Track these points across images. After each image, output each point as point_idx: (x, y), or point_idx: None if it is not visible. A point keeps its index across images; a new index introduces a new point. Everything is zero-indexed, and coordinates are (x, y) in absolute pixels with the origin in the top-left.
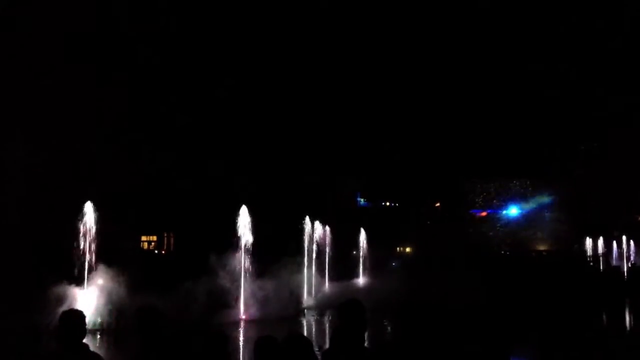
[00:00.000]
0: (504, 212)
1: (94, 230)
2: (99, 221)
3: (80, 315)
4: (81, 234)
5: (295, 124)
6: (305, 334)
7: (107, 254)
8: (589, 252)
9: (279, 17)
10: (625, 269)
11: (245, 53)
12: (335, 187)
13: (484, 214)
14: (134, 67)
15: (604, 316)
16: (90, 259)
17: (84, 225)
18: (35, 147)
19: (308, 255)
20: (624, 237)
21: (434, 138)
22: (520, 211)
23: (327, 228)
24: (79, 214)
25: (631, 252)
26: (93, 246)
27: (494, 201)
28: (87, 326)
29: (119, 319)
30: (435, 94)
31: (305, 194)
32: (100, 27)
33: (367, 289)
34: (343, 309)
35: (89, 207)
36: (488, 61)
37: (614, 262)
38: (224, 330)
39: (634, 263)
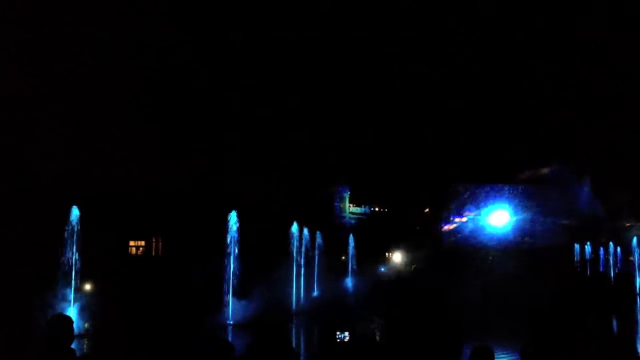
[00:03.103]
0: (487, 217)
1: (80, 234)
2: (86, 225)
3: (68, 321)
4: (67, 239)
5: (285, 128)
6: (294, 339)
7: (94, 259)
8: (577, 257)
9: (261, 16)
10: (612, 275)
11: (236, 54)
12: (324, 193)
13: (464, 219)
14: (125, 68)
15: (591, 321)
16: (77, 264)
17: (71, 229)
18: (23, 147)
19: (297, 260)
20: (610, 244)
21: (425, 142)
22: (511, 217)
23: (317, 234)
24: (65, 218)
25: (618, 259)
26: (80, 251)
27: (482, 206)
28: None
29: (106, 324)
30: (427, 98)
31: (294, 200)
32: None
33: (354, 294)
34: (333, 315)
35: (75, 212)
36: (482, 60)
37: (601, 268)
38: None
39: (621, 269)
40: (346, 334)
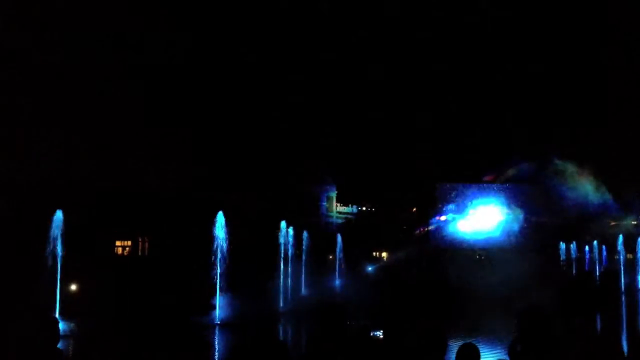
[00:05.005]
0: (474, 216)
1: (66, 235)
2: (72, 225)
3: (54, 321)
4: (53, 239)
5: (273, 129)
6: (280, 338)
7: (80, 259)
8: (562, 256)
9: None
10: (597, 274)
11: (225, 55)
12: (311, 192)
13: (451, 218)
14: (113, 69)
15: (577, 319)
16: (64, 265)
17: (56, 231)
18: (6, 151)
19: (284, 260)
20: (595, 242)
21: (412, 142)
22: (498, 215)
23: (304, 233)
24: (50, 218)
25: (603, 257)
26: (66, 251)
27: (469, 205)
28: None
29: (92, 325)
30: (414, 96)
31: (281, 199)
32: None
33: (342, 293)
34: (322, 313)
35: (60, 213)
36: (470, 61)
37: (586, 267)
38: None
39: (606, 267)
40: (380, 332)
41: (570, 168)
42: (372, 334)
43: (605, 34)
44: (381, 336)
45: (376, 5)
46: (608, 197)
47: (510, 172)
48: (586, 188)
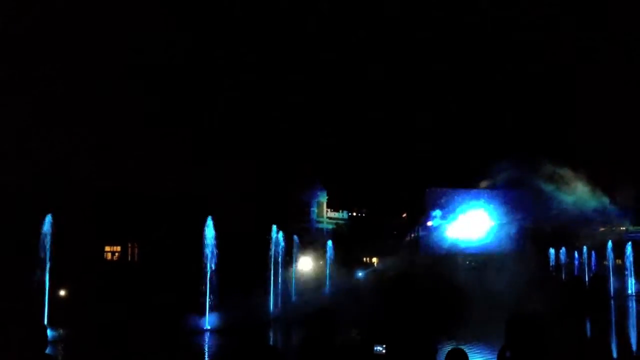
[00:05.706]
0: (464, 222)
1: (55, 240)
2: (61, 232)
3: (42, 327)
4: (42, 244)
5: (263, 134)
6: (271, 344)
7: (69, 265)
8: (552, 262)
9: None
10: (586, 279)
11: (225, 55)
12: (302, 197)
13: (441, 224)
14: (113, 69)
15: (566, 324)
16: (52, 271)
17: (45, 236)
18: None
19: (274, 265)
20: (584, 248)
21: (402, 147)
22: (488, 221)
23: (294, 239)
24: (40, 224)
25: (592, 262)
26: (54, 257)
27: (459, 211)
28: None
29: (81, 330)
30: (414, 96)
31: (271, 205)
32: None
33: (332, 299)
34: (313, 318)
35: (49, 218)
36: (470, 61)
37: (576, 272)
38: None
39: (595, 272)
40: (383, 346)
41: (562, 173)
42: (375, 349)
43: (605, 34)
44: (384, 351)
45: (376, 5)
46: (599, 203)
47: (501, 177)
48: (577, 194)
